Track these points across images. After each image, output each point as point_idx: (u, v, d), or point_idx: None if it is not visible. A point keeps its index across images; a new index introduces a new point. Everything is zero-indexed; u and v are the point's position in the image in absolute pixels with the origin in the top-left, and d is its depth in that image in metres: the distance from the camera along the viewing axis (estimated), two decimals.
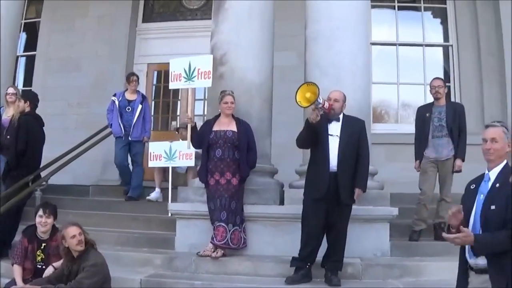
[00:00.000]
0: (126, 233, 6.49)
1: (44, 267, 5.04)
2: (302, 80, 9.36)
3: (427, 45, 9.88)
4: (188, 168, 7.49)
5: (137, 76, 8.02)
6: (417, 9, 10.07)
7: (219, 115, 6.14)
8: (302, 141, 5.49)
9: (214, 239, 5.72)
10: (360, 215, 5.78)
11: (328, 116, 5.36)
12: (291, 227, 5.92)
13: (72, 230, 4.63)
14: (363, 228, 5.88)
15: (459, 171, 6.27)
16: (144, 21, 10.65)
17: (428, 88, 9.59)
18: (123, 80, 10.04)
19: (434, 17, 10.09)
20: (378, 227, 5.96)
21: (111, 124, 7.80)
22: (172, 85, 6.46)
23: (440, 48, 9.99)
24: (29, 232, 5.23)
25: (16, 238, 6.06)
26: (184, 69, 6.25)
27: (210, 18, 10.15)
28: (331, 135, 5.40)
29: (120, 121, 7.67)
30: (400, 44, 9.87)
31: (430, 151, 6.32)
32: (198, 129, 6.21)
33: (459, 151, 6.25)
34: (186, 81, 6.24)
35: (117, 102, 7.79)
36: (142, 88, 10.41)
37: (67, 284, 4.52)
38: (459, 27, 9.55)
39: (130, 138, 7.64)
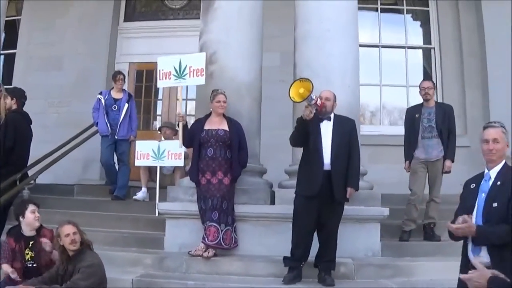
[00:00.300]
0: (113, 233, 6.39)
1: (34, 265, 4.94)
2: (286, 80, 9.49)
3: (409, 48, 10.00)
4: (175, 168, 7.40)
5: (124, 75, 7.93)
6: (399, 11, 10.19)
7: (210, 114, 6.08)
8: (295, 139, 5.47)
9: (206, 239, 5.66)
10: (352, 215, 5.78)
11: (319, 115, 5.35)
12: (281, 227, 5.89)
13: (67, 229, 4.54)
14: (355, 228, 5.89)
15: (449, 172, 6.33)
16: (125, 20, 10.54)
17: (410, 90, 9.94)
18: (105, 79, 10.01)
19: (416, 19, 10.22)
20: (369, 227, 5.98)
21: (97, 123, 7.67)
22: (160, 84, 6.37)
23: (421, 51, 10.11)
24: (15, 231, 5.10)
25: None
26: (174, 67, 6.16)
27: (193, 18, 10.39)
28: (323, 134, 5.39)
29: (106, 120, 7.54)
30: (383, 46, 9.96)
31: (420, 152, 6.37)
32: (189, 127, 6.12)
33: (449, 152, 6.31)
34: (176, 79, 6.15)
35: (103, 101, 7.68)
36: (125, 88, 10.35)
37: (62, 285, 4.42)
38: (442, 30, 9.68)
39: (116, 137, 7.53)
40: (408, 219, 6.27)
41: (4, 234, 5.64)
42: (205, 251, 5.66)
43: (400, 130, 9.56)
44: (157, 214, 6.83)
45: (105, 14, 10.21)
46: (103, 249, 5.82)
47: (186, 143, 6.09)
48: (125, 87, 10.21)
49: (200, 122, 6.04)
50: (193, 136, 5.98)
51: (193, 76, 6.06)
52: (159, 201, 6.81)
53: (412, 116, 6.53)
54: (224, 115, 6.05)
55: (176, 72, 6.15)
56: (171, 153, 6.97)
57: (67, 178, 9.01)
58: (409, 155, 6.46)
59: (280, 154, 6.93)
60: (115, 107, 7.63)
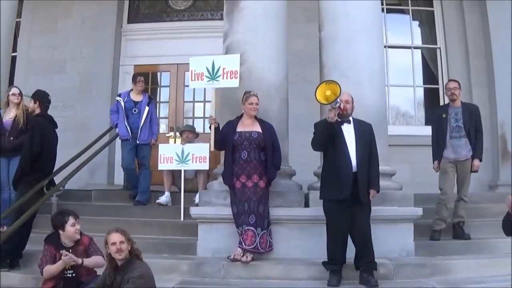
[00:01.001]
0: (142, 239, 6.13)
1: (73, 274, 4.78)
2: (294, 82, 9.47)
3: (415, 48, 10.06)
4: (198, 172, 7.28)
5: (144, 78, 7.72)
6: (404, 12, 10.24)
7: (241, 116, 6.00)
8: (319, 143, 5.46)
9: (243, 244, 5.58)
10: (386, 215, 5.80)
11: (340, 118, 5.34)
12: (316, 229, 5.87)
13: (114, 237, 4.38)
14: (388, 228, 5.88)
15: (477, 171, 6.38)
16: (129, 22, 10.40)
17: (417, 90, 10.03)
18: (110, 82, 9.86)
19: (421, 20, 10.28)
20: (402, 227, 5.98)
21: (116, 125, 7.51)
22: (192, 84, 6.25)
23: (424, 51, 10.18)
24: (53, 240, 4.94)
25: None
26: (207, 68, 6.05)
27: (198, 19, 10.34)
28: (346, 137, 5.40)
29: (126, 123, 7.37)
30: (389, 47, 9.98)
31: (449, 151, 6.41)
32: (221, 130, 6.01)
33: (477, 152, 6.38)
34: (209, 80, 6.05)
35: (122, 103, 7.48)
36: None
37: None
38: (447, 30, 9.76)
39: (138, 142, 7.35)
40: (439, 219, 6.30)
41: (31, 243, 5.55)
42: (242, 255, 5.58)
43: (407, 130, 9.82)
44: (182, 219, 6.74)
45: (109, 16, 10.06)
46: None
47: (218, 146, 5.96)
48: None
49: (232, 124, 5.94)
50: (226, 139, 5.88)
51: (227, 78, 5.97)
52: (184, 205, 6.72)
53: (439, 116, 6.57)
54: (255, 117, 5.97)
55: (209, 73, 6.04)
56: (196, 156, 6.87)
57: (74, 183, 8.79)
58: (438, 155, 6.47)
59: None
60: (135, 110, 7.47)
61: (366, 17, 6.38)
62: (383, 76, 6.58)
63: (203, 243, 6.00)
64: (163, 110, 10.25)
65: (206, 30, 10.19)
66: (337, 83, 5.11)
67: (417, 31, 10.22)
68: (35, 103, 6.17)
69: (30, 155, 5.78)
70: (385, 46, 9.86)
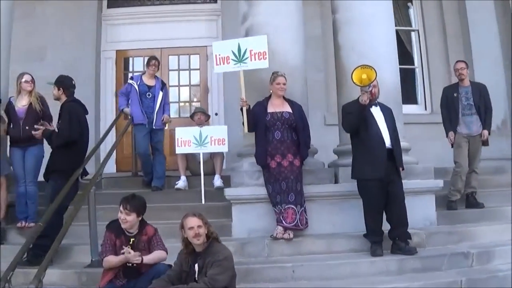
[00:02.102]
0: (171, 224, 6.19)
1: (134, 264, 4.61)
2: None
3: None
4: (214, 155, 7.34)
5: (158, 61, 7.64)
6: None
7: (269, 97, 6.15)
8: (353, 125, 5.74)
9: (284, 221, 5.77)
10: (410, 188, 6.12)
11: (369, 101, 5.66)
12: (346, 204, 6.22)
13: (192, 221, 4.41)
14: (413, 200, 6.18)
15: (486, 141, 6.86)
16: (109, 6, 10.24)
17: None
18: (93, 68, 9.66)
19: (397, 3, 10.71)
20: (425, 199, 6.38)
21: (122, 109, 7.45)
22: (217, 69, 6.28)
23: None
24: (115, 226, 4.81)
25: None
26: (233, 52, 6.09)
27: (180, 3, 10.27)
28: (376, 118, 5.76)
29: (141, 108, 7.31)
30: None
31: (462, 127, 6.87)
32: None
33: (487, 124, 6.88)
34: (236, 63, 6.09)
35: (136, 87, 7.39)
36: (112, 77, 10.08)
37: (198, 283, 4.27)
38: (425, 13, 10.26)
39: (154, 127, 7.31)
40: (455, 190, 6.77)
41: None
42: (284, 233, 5.76)
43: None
44: (203, 202, 6.80)
45: (88, 0, 9.80)
46: (170, 242, 5.72)
47: (251, 127, 6.07)
48: (114, 76, 10.05)
49: (262, 105, 6.07)
50: (257, 120, 6.00)
51: (255, 60, 6.03)
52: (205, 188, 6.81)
53: (450, 94, 7.00)
54: (284, 97, 6.14)
55: (236, 56, 6.09)
56: (214, 138, 6.92)
57: None
58: (452, 129, 6.89)
59: None
60: (149, 95, 7.38)
61: (380, 1, 6.67)
62: (396, 57, 6.90)
63: (239, 223, 6.13)
64: None
65: (189, 14, 10.26)
66: (373, 68, 5.45)
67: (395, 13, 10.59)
68: (59, 89, 6.00)
69: (66, 142, 5.65)
70: None
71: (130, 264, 4.64)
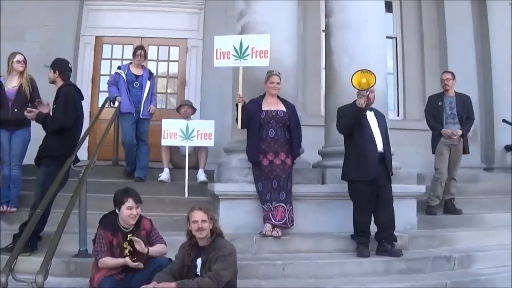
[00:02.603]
0: (158, 217, 6.10)
1: (134, 259, 4.51)
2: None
3: None
4: (199, 149, 7.34)
5: (144, 51, 7.57)
6: None
7: (264, 95, 6.21)
8: (348, 127, 5.89)
9: (273, 219, 5.85)
10: (395, 192, 6.26)
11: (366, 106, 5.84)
12: (332, 204, 6.37)
13: (196, 215, 4.42)
14: (396, 204, 6.28)
15: (466, 147, 7.20)
16: None
17: None
18: (72, 52, 9.46)
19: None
20: (408, 203, 6.59)
21: (115, 98, 7.34)
22: (217, 63, 6.31)
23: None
24: (110, 223, 4.64)
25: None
26: (234, 47, 6.15)
27: None
28: (370, 122, 5.95)
29: (129, 96, 7.23)
30: None
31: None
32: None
33: (464, 128, 7.18)
34: (236, 59, 6.16)
35: (124, 76, 7.32)
36: (90, 63, 9.92)
37: (203, 277, 4.25)
38: (404, 22, 10.54)
39: (141, 116, 7.25)
40: (434, 195, 7.04)
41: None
42: (272, 231, 5.84)
43: None
44: (186, 196, 6.81)
45: None
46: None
47: (244, 123, 6.12)
48: (91, 62, 9.89)
49: (257, 102, 6.13)
50: (251, 117, 6.06)
51: (256, 57, 6.11)
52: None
53: (435, 103, 7.26)
54: (278, 96, 6.22)
55: (237, 52, 6.14)
56: (201, 132, 6.95)
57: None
58: (440, 127, 7.16)
59: None
60: (136, 84, 7.33)
61: (374, 7, 6.88)
62: (386, 64, 7.10)
63: (226, 219, 6.13)
64: None
65: (171, 5, 10.21)
66: (373, 74, 5.61)
67: None
68: (54, 72, 5.85)
69: (60, 127, 5.53)
70: None
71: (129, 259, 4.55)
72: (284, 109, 6.15)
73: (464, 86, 9.47)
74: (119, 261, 4.47)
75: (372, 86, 5.64)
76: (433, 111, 7.25)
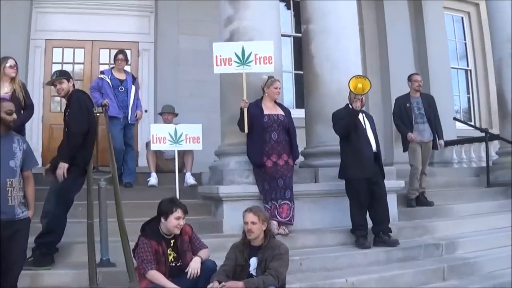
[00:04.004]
0: None
1: (178, 264, 4.74)
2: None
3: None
4: (186, 153, 7.53)
5: (125, 55, 7.60)
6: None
7: (261, 99, 6.57)
8: (346, 129, 6.42)
9: (278, 216, 6.25)
10: None
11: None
12: (325, 202, 6.90)
13: (247, 217, 4.72)
14: None
15: (437, 148, 8.01)
16: None
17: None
18: (23, 56, 9.25)
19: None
20: (390, 197, 7.11)
21: (102, 103, 7.29)
22: (218, 70, 6.53)
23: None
24: (153, 232, 4.76)
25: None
26: (236, 54, 6.42)
27: None
28: (363, 124, 6.56)
29: (116, 101, 7.26)
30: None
31: (415, 134, 7.85)
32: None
33: (439, 134, 7.99)
34: (239, 65, 6.42)
35: (108, 80, 7.33)
36: (40, 66, 9.74)
37: (266, 276, 4.51)
38: None
39: (129, 121, 7.30)
40: (412, 189, 7.78)
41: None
42: (279, 228, 6.24)
43: None
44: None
45: None
46: None
47: (248, 127, 6.42)
48: (42, 66, 9.70)
49: (258, 107, 6.49)
50: (254, 121, 6.41)
51: (260, 64, 6.42)
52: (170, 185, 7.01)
53: (403, 104, 7.97)
54: (275, 101, 6.62)
55: (239, 59, 6.42)
56: (189, 136, 7.10)
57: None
58: (407, 131, 7.82)
59: (211, 135, 7.48)
60: (121, 89, 7.39)
61: (350, 14, 7.49)
62: (360, 68, 7.70)
63: (230, 220, 6.44)
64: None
65: (122, 8, 10.29)
66: (368, 79, 6.19)
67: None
68: (69, 81, 5.73)
69: (81, 133, 5.50)
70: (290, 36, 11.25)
71: (174, 264, 4.75)
72: (283, 113, 6.56)
73: (404, 88, 10.54)
74: (169, 285, 4.55)
75: (367, 91, 6.20)
76: (402, 113, 7.95)
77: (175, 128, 7.16)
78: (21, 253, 4.53)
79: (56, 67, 9.64)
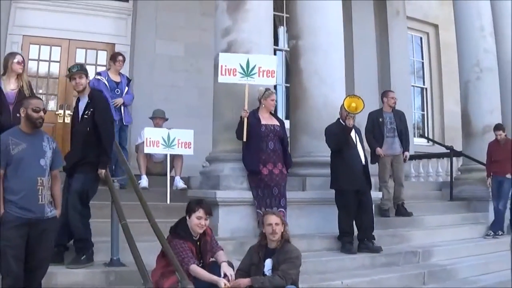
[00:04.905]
0: (147, 223, 6.32)
1: (201, 264, 4.95)
2: (190, 70, 10.66)
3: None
4: (175, 157, 7.84)
5: (124, 57, 7.81)
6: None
7: (257, 109, 7.03)
8: (339, 144, 7.03)
9: None
10: None
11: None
12: (311, 209, 7.43)
13: (271, 218, 5.09)
14: None
15: (406, 160, 8.67)
16: None
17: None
18: (1, 50, 9.24)
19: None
20: None
21: None
22: (222, 79, 6.89)
23: None
24: (183, 232, 5.00)
25: None
26: (241, 65, 6.83)
27: None
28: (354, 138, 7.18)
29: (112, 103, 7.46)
30: None
31: (385, 148, 8.55)
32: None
33: (407, 146, 8.72)
34: (243, 77, 6.84)
35: (106, 82, 7.53)
36: None
37: (273, 276, 4.90)
38: None
39: (124, 123, 7.54)
40: (386, 199, 8.43)
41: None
42: None
43: None
44: (168, 202, 7.32)
45: None
46: (148, 240, 5.84)
47: (246, 136, 6.85)
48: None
49: (255, 116, 6.93)
50: (251, 130, 6.85)
51: (263, 76, 6.89)
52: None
53: (376, 119, 8.64)
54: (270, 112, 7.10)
55: (243, 70, 6.85)
56: (181, 141, 7.48)
57: None
58: (378, 145, 8.49)
59: None
60: (117, 91, 7.60)
61: (337, 31, 8.08)
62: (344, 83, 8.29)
63: (224, 224, 6.83)
64: (52, 87, 10.06)
65: (99, 8, 10.42)
66: (361, 99, 6.79)
67: None
68: (87, 77, 5.80)
69: (112, 132, 5.66)
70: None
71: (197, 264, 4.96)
72: (278, 124, 7.04)
73: (369, 100, 11.27)
74: (213, 278, 4.77)
75: (361, 110, 6.78)
76: (374, 127, 8.59)
77: (168, 133, 7.51)
78: (49, 252, 4.74)
79: (32, 64, 9.79)
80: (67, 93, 9.93)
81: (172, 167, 7.86)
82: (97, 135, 5.65)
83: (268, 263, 5.12)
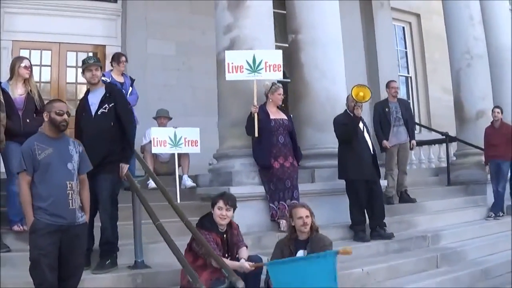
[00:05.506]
0: (173, 223, 6.41)
1: (227, 257, 5.07)
2: (181, 69, 10.78)
3: None
4: (182, 156, 7.93)
5: (126, 57, 7.85)
6: None
7: (265, 104, 7.17)
8: (349, 134, 7.20)
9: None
10: None
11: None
12: (320, 200, 7.54)
13: (301, 211, 5.28)
14: None
15: (412, 148, 8.93)
16: None
17: None
18: None
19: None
20: None
21: None
22: (229, 77, 7.02)
23: None
24: (209, 224, 5.14)
25: None
26: (247, 61, 6.97)
27: None
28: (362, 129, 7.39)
29: None
30: None
31: (392, 137, 8.80)
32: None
33: (411, 135, 8.95)
34: (250, 73, 6.98)
35: None
36: (7, 68, 9.67)
37: None
38: None
39: None
40: (390, 187, 8.66)
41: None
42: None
43: None
44: (178, 201, 7.40)
45: None
46: (182, 240, 6.11)
47: (252, 131, 7.02)
48: (8, 68, 9.67)
49: (264, 111, 7.08)
50: (261, 125, 7.00)
51: (270, 71, 7.02)
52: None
53: (382, 109, 8.88)
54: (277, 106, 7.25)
55: (250, 66, 6.98)
56: (188, 140, 7.58)
57: None
58: (384, 137, 8.75)
59: None
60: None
61: (335, 27, 8.30)
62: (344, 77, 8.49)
63: (239, 220, 6.73)
64: (44, 91, 9.97)
65: (89, 10, 10.51)
66: (369, 88, 6.99)
67: None
68: (101, 70, 5.77)
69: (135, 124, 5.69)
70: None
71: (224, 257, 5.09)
72: (286, 118, 7.20)
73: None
74: (235, 264, 4.92)
75: (368, 99, 6.97)
76: (381, 117, 8.85)
77: (175, 132, 7.60)
78: (82, 259, 4.74)
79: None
80: (59, 97, 9.88)
81: (179, 166, 7.95)
82: (122, 129, 5.61)
83: (301, 254, 5.29)
